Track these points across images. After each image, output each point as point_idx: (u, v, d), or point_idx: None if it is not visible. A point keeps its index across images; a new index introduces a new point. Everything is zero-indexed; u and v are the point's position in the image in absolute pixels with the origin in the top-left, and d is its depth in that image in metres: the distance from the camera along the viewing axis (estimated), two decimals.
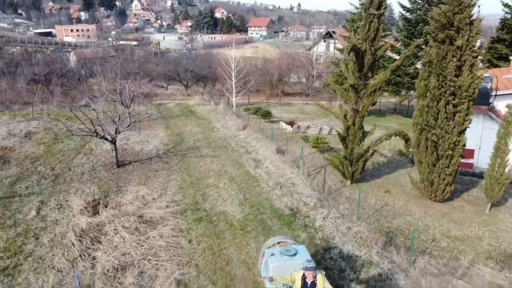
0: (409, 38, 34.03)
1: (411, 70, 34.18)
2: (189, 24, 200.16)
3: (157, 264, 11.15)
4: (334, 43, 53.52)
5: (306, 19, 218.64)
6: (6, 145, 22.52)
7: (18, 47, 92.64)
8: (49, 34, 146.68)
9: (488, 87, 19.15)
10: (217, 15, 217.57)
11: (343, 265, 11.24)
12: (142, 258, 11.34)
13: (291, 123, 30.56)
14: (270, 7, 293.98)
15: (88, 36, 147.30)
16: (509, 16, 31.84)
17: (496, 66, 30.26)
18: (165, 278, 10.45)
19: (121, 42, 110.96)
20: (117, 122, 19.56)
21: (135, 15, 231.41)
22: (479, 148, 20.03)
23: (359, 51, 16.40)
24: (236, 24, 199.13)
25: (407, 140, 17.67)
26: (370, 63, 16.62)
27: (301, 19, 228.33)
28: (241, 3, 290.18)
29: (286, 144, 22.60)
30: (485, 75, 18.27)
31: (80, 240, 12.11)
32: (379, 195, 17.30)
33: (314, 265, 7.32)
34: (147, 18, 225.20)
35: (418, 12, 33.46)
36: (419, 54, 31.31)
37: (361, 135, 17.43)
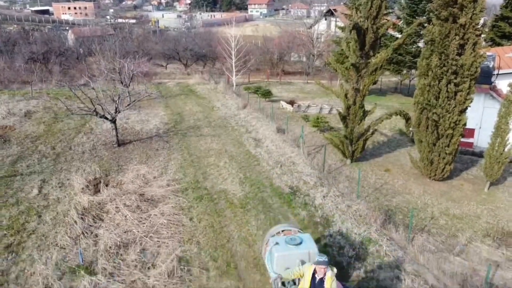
0: (411, 16, 33.56)
1: (413, 49, 33.82)
2: (188, 1, 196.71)
3: (159, 242, 11.30)
4: (336, 21, 52.69)
5: None
6: (6, 124, 22.49)
7: (15, 25, 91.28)
8: (46, 12, 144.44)
9: (491, 66, 19.00)
10: None
11: (342, 242, 11.39)
12: (144, 236, 11.48)
13: (291, 102, 30.44)
14: None
15: (86, 14, 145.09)
16: None
17: (499, 44, 29.89)
18: (167, 255, 10.61)
19: (120, 20, 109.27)
20: (117, 101, 19.48)
21: None
22: (480, 128, 20.04)
23: (360, 29, 16.19)
24: (236, 2, 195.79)
25: (407, 119, 17.65)
26: (372, 41, 16.43)
27: None
28: None
29: (286, 123, 22.57)
30: (488, 53, 18.08)
31: (82, 218, 12.25)
32: (379, 174, 17.39)
33: (326, 259, 6.79)
34: None
35: None
36: (421, 33, 30.91)
37: (361, 114, 17.39)
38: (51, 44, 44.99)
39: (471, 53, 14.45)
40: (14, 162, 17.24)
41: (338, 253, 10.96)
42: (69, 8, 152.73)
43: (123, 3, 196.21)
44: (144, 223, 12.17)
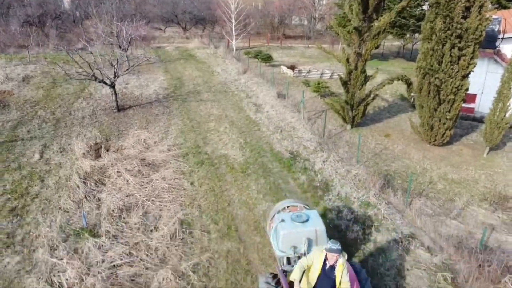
0: None
1: (417, 12, 33.07)
2: None
3: (161, 205, 11.48)
4: None
5: None
6: (5, 89, 22.31)
7: None
8: None
9: (496, 29, 18.61)
10: None
11: (341, 206, 11.58)
12: (146, 200, 11.66)
13: (292, 67, 30.09)
14: None
15: None
16: None
17: (505, 7, 29.20)
18: (168, 218, 10.81)
19: None
20: (115, 66, 19.24)
21: None
22: (482, 93, 19.89)
23: None
24: None
25: (409, 84, 17.51)
26: (375, 4, 15.98)
27: None
28: None
29: (286, 89, 22.40)
30: (494, 16, 17.68)
31: (84, 183, 12.38)
32: (379, 139, 17.43)
33: (339, 247, 6.38)
34: None
35: None
36: None
37: (363, 79, 17.21)
38: (46, 6, 43.87)
39: (477, 16, 14.10)
40: (14, 127, 17.24)
41: (337, 216, 11.15)
42: None
43: None
44: (146, 188, 12.32)
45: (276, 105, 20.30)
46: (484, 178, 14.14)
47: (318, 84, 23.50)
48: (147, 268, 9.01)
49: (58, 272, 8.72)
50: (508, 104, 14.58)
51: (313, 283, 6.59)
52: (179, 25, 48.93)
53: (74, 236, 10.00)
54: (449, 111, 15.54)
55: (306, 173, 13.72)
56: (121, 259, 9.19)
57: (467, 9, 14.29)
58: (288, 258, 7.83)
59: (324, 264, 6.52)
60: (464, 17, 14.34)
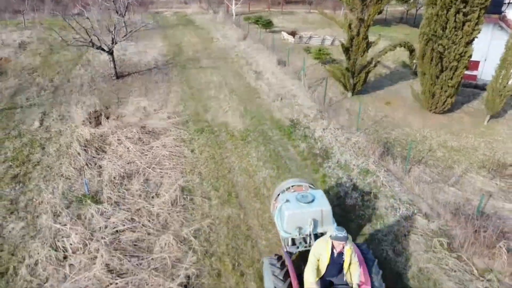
0: None
1: None
2: None
3: (162, 172, 11.57)
4: None
5: None
6: (1, 56, 22.02)
7: None
8: None
9: None
10: None
11: (341, 173, 11.66)
12: (147, 167, 11.74)
13: (293, 33, 29.55)
14: None
15: None
16: None
17: None
18: (169, 185, 10.92)
19: None
20: (113, 32, 18.87)
21: None
22: (485, 60, 19.62)
23: None
24: None
25: (411, 51, 17.25)
26: None
27: None
28: None
29: (287, 55, 22.07)
30: None
31: (85, 150, 12.43)
32: (380, 107, 17.35)
33: (346, 234, 6.16)
34: None
35: None
36: None
37: (365, 45, 16.92)
38: None
39: None
40: (13, 94, 17.13)
41: (336, 183, 11.27)
42: None
43: None
44: (146, 155, 12.38)
45: (277, 72, 20.07)
46: (484, 146, 14.18)
47: (319, 50, 23.14)
48: (149, 234, 9.19)
49: (62, 237, 8.90)
50: (511, 71, 14.40)
51: (323, 272, 6.50)
52: None
53: (76, 202, 10.14)
54: (451, 78, 15.38)
55: (306, 140, 13.74)
56: (124, 225, 9.36)
57: None
58: (293, 239, 7.67)
59: (332, 252, 6.40)
60: None
